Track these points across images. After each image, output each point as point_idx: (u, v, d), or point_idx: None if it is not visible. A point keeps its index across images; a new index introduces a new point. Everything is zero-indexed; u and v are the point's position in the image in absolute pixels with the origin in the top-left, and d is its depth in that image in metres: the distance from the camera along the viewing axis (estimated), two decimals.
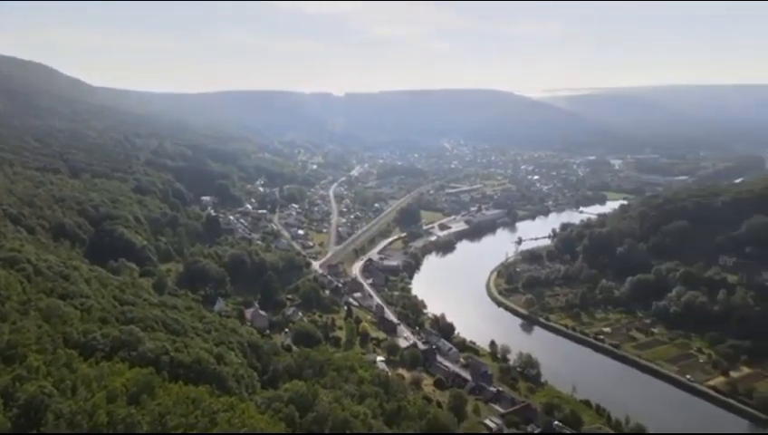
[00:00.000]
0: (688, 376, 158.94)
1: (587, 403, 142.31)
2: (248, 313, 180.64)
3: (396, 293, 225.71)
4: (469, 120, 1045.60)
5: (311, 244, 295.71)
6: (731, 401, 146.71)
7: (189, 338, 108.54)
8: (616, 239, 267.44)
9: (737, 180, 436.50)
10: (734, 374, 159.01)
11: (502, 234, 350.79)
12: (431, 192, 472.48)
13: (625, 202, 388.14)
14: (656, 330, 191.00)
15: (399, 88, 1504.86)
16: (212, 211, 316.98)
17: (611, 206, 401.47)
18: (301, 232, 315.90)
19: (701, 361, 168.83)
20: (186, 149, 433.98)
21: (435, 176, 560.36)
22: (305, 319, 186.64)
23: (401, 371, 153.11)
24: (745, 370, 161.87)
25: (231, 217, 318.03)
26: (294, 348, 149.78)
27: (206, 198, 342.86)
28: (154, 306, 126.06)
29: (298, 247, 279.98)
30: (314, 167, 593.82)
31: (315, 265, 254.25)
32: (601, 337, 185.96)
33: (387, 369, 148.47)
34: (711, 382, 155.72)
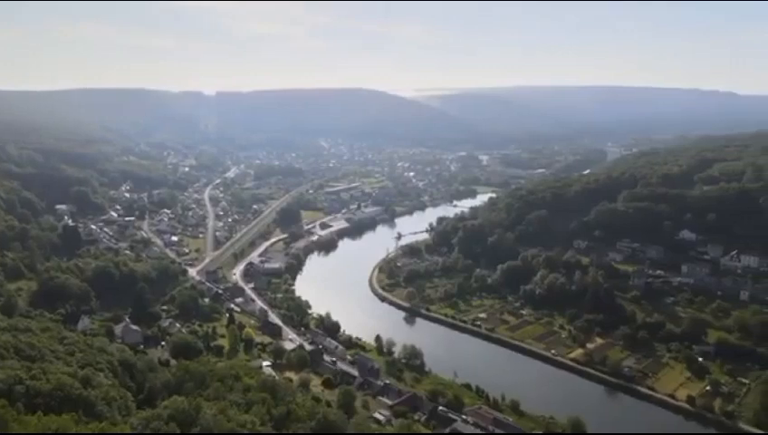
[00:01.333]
0: (553, 351, 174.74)
1: (467, 386, 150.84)
2: (118, 329, 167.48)
3: (279, 295, 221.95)
4: (346, 118, 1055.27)
5: (186, 250, 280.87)
6: (589, 369, 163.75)
7: (48, 363, 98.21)
8: (487, 230, 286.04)
9: (585, 171, 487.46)
10: (589, 346, 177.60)
11: (382, 230, 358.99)
12: (311, 191, 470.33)
13: (493, 195, 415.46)
14: (524, 312, 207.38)
15: (274, 87, 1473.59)
16: (69, 221, 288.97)
17: (482, 199, 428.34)
18: (174, 238, 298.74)
19: (563, 336, 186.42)
20: (35, 154, 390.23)
21: (314, 175, 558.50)
22: (184, 330, 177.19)
23: (289, 373, 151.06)
24: (599, 341, 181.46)
25: (93, 227, 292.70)
26: (173, 362, 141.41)
27: (61, 207, 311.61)
28: (3, 331, 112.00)
29: (172, 255, 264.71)
30: (186, 169, 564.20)
31: (192, 272, 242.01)
32: (478, 323, 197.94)
33: (273, 373, 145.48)
34: (572, 355, 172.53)
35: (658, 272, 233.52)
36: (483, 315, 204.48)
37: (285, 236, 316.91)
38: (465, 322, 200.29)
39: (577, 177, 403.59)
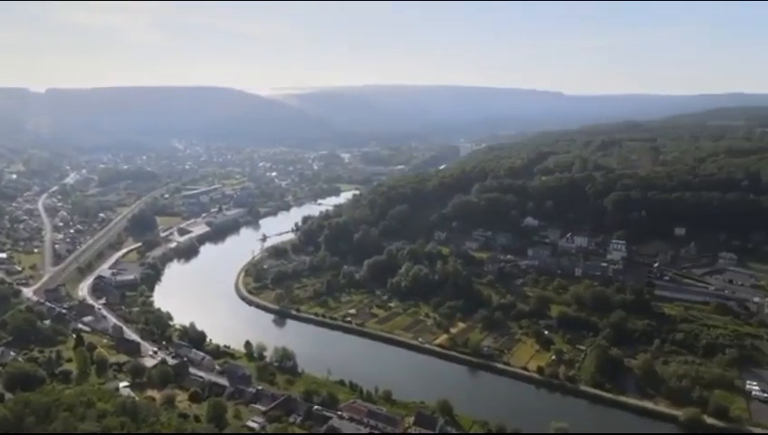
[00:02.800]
0: (420, 339, 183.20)
1: (341, 383, 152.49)
2: None
3: (136, 309, 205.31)
4: (201, 118, 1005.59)
5: (18, 268, 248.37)
6: (453, 353, 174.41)
7: None
8: (352, 227, 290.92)
9: (441, 167, 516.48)
10: (453, 330, 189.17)
11: (246, 233, 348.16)
12: (166, 196, 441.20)
13: (357, 192, 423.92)
14: (392, 304, 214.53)
15: (118, 84, 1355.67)
16: None
17: (345, 196, 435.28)
18: (2, 255, 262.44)
19: (429, 324, 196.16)
20: None
21: (168, 178, 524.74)
22: (20, 358, 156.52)
23: (151, 392, 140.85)
24: (461, 325, 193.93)
25: None
26: (9, 395, 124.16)
27: None
28: None
29: (1, 275, 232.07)
30: (14, 176, 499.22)
31: (28, 292, 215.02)
32: (348, 319, 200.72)
33: (133, 394, 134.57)
34: (438, 341, 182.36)
35: (509, 257, 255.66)
36: (352, 311, 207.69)
37: (139, 244, 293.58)
38: (335, 319, 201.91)
39: (434, 172, 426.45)
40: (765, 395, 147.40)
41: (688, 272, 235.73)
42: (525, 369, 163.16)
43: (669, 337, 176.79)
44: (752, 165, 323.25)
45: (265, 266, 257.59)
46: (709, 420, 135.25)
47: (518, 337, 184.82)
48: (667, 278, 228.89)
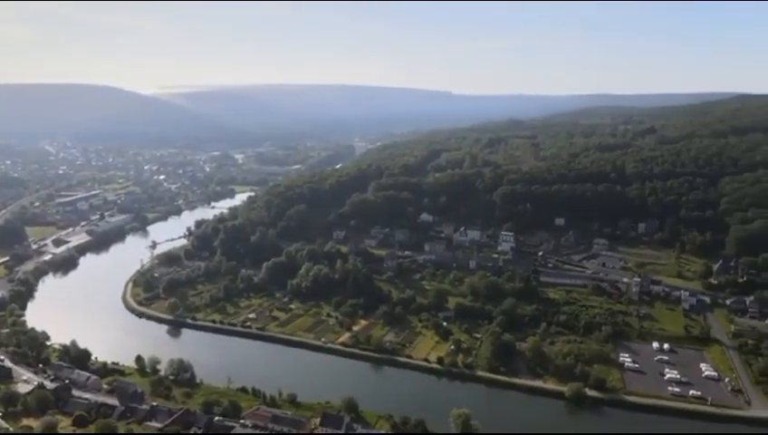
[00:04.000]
0: (323, 339, 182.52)
1: (244, 390, 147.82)
2: None
3: (5, 330, 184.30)
4: (75, 119, 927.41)
5: None
6: (356, 350, 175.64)
7: None
8: (249, 229, 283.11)
9: (338, 166, 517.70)
10: (355, 328, 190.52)
11: (133, 240, 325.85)
12: (37, 204, 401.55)
13: (252, 193, 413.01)
14: (293, 306, 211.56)
15: None
16: None
17: (240, 198, 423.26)
18: None
19: (331, 323, 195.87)
20: None
21: (39, 185, 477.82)
22: None
23: (27, 421, 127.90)
24: (363, 322, 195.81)
25: None
26: None
27: None
28: None
29: None
30: None
31: None
32: (248, 324, 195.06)
33: (6, 424, 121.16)
34: (340, 340, 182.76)
35: (407, 252, 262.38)
36: (252, 315, 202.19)
37: (6, 259, 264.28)
38: (234, 325, 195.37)
39: (330, 171, 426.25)
40: (636, 365, 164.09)
41: (568, 258, 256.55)
42: (426, 360, 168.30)
43: (554, 319, 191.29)
44: (617, 159, 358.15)
45: (156, 275, 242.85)
46: (590, 393, 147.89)
47: (418, 330, 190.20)
48: (550, 265, 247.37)
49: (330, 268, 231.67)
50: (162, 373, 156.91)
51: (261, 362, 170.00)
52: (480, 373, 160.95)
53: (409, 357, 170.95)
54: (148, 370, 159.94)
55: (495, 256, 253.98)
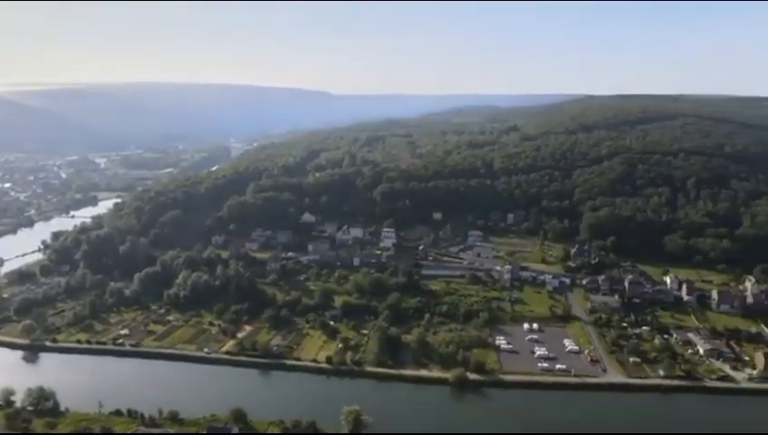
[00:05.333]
0: (206, 350, 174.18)
1: (118, 413, 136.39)
2: None
3: None
4: None
5: None
6: (242, 357, 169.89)
7: None
8: (117, 239, 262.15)
9: (213, 168, 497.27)
10: (240, 335, 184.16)
11: None
12: None
13: (119, 200, 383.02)
14: (171, 317, 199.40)
15: None
16: None
17: (106, 206, 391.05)
18: None
19: (214, 332, 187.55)
20: None
21: None
22: None
23: None
24: (248, 328, 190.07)
25: None
26: None
27: None
28: None
29: None
30: None
31: None
32: (121, 341, 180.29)
33: None
34: (225, 348, 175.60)
35: (290, 254, 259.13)
36: (125, 331, 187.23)
37: None
38: (104, 343, 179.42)
39: (206, 174, 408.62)
40: (510, 346, 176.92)
41: (447, 251, 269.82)
42: (315, 361, 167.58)
43: (436, 310, 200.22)
44: (486, 155, 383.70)
45: (6, 295, 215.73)
46: (472, 377, 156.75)
47: (306, 331, 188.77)
48: (430, 258, 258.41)
49: (210, 275, 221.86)
50: (19, 405, 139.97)
51: (137, 381, 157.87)
52: (369, 369, 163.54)
53: (298, 359, 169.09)
54: (1, 402, 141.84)
55: (378, 252, 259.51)
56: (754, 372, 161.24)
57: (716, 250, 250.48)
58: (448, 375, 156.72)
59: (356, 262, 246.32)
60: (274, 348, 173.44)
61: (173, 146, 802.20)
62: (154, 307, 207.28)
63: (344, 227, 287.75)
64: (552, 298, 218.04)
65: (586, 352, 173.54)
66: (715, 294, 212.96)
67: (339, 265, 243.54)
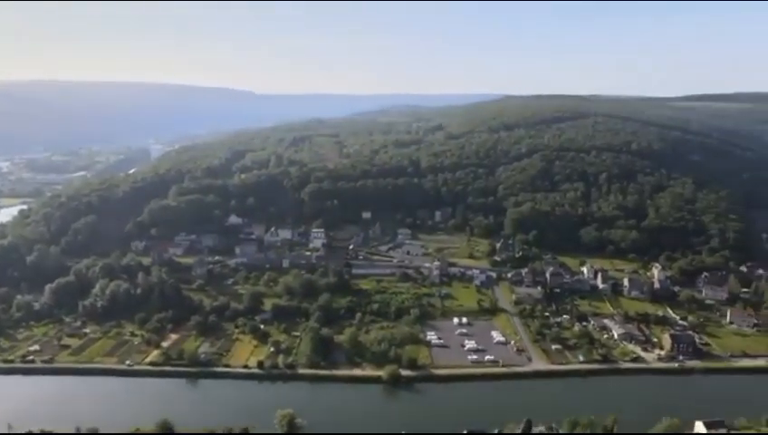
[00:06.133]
0: (128, 362, 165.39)
1: None
2: None
3: None
4: None
5: None
6: (167, 368, 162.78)
7: None
8: (24, 248, 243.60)
9: (131, 171, 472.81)
10: (165, 344, 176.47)
11: None
12: None
13: (25, 207, 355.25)
14: (88, 330, 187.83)
15: None
16: None
17: (9, 213, 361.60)
18: None
19: (136, 343, 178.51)
20: None
21: None
22: None
23: None
24: (173, 336, 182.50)
25: None
26: None
27: None
28: None
29: None
30: None
31: None
32: (31, 358, 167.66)
33: None
34: (149, 359, 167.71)
35: (217, 258, 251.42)
36: (35, 347, 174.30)
37: None
38: (11, 361, 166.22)
39: (123, 177, 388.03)
40: (441, 341, 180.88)
41: (376, 250, 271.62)
42: (246, 366, 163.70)
43: (368, 309, 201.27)
44: (413, 154, 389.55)
45: None
46: (405, 373, 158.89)
47: (235, 337, 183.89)
48: (360, 258, 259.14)
49: (130, 283, 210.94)
50: None
51: (52, 400, 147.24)
52: (302, 371, 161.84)
53: (228, 366, 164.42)
54: None
55: (308, 253, 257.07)
56: (662, 353, 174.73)
57: (626, 240, 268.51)
58: (381, 373, 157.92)
59: (285, 264, 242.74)
60: (202, 356, 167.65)
61: (86, 147, 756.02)
62: (68, 320, 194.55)
63: (272, 229, 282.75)
64: (480, 292, 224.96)
65: (512, 342, 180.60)
66: (626, 282, 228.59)
67: (268, 267, 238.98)
